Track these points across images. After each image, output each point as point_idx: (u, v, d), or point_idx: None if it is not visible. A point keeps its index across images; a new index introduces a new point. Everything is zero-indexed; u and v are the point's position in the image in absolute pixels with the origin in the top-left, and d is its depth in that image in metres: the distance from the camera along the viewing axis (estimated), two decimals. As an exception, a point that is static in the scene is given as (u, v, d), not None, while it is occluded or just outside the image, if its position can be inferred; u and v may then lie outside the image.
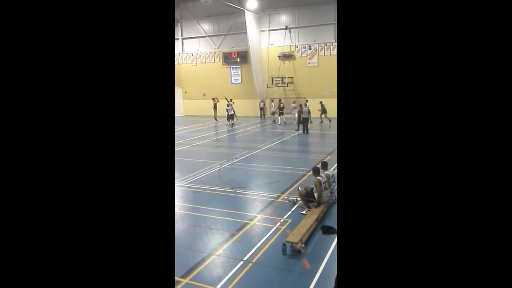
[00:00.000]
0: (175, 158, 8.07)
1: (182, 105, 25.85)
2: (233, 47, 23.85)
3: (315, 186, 6.40)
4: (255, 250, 5.09)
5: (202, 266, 4.73)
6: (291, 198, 7.06)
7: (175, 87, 25.36)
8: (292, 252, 4.93)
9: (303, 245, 5.04)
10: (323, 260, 4.76)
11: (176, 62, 25.81)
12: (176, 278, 4.41)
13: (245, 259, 4.86)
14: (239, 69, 24.02)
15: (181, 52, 25.71)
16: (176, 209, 6.96)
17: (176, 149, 12.09)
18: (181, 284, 4.32)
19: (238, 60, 23.62)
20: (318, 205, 6.26)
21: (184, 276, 4.49)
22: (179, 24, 25.19)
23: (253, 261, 4.80)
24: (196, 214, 6.66)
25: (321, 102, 18.49)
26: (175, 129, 16.13)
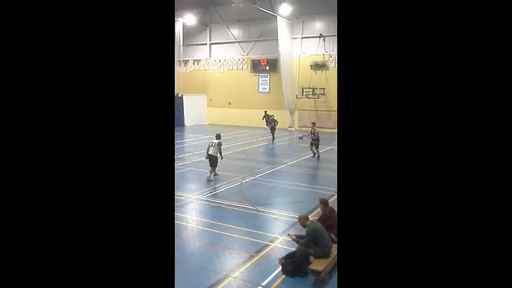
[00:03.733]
0: (195, 169, 8.07)
1: (206, 113, 26.20)
2: (262, 54, 24.10)
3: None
4: (275, 275, 5.02)
5: (217, 289, 4.72)
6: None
7: (200, 94, 25.85)
8: (315, 281, 4.82)
9: (328, 274, 4.93)
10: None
11: (202, 68, 26.34)
12: (189, 299, 4.41)
13: (263, 284, 4.81)
14: (268, 78, 24.18)
15: (208, 58, 26.23)
16: (193, 224, 7.02)
17: (197, 159, 12.25)
18: (194, 307, 4.32)
19: (267, 68, 23.84)
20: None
21: (197, 297, 4.49)
22: (207, 29, 25.78)
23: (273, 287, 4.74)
24: (214, 230, 6.68)
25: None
26: (198, 137, 16.21)
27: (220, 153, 10.11)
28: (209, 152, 9.94)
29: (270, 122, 18.02)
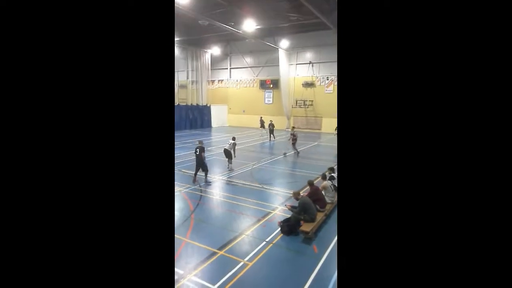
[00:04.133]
0: (218, 158, 8.01)
1: (227, 118, 26.25)
2: (268, 76, 23.98)
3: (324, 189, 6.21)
4: (276, 234, 5.03)
5: (234, 242, 4.73)
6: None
7: (223, 104, 25.84)
8: (304, 239, 4.82)
9: (313, 233, 4.91)
10: (328, 246, 4.62)
11: (224, 86, 26.31)
12: (214, 250, 4.44)
13: (267, 240, 4.82)
14: (272, 93, 24.06)
15: (228, 78, 26.18)
16: (217, 197, 7.04)
17: (220, 151, 12.26)
18: (217, 255, 4.34)
19: (271, 86, 23.73)
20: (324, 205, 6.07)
21: (220, 248, 4.51)
22: (228, 57, 25.73)
23: (274, 242, 4.74)
24: (232, 201, 6.69)
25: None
26: (222, 135, 16.20)
27: (234, 151, 9.57)
28: (225, 148, 9.60)
29: (269, 126, 17.21)
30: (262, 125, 19.20)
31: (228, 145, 9.66)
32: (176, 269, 3.93)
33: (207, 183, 8.01)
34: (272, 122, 17.32)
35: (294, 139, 12.22)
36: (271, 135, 16.83)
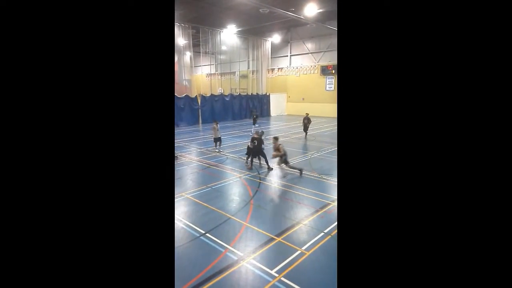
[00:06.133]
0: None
1: (285, 107, 26.09)
2: (329, 61, 22.86)
3: None
4: (334, 226, 4.90)
5: (292, 231, 4.78)
6: None
7: (282, 92, 25.72)
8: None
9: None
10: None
11: (284, 74, 26.08)
12: (271, 236, 4.57)
13: (325, 231, 4.73)
14: (333, 79, 22.93)
15: (288, 66, 25.82)
16: (275, 185, 7.15)
17: (280, 139, 12.30)
18: (275, 241, 4.45)
19: (333, 71, 22.57)
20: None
21: (278, 235, 4.61)
22: (288, 44, 25.29)
23: (332, 234, 4.64)
24: (290, 190, 6.72)
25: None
26: (278, 124, 16.23)
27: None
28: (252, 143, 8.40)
29: (303, 120, 13.96)
30: (255, 123, 15.52)
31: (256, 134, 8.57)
32: (235, 251, 4.18)
33: (269, 169, 8.24)
34: (308, 116, 13.96)
35: (281, 155, 7.53)
36: (306, 133, 13.70)
